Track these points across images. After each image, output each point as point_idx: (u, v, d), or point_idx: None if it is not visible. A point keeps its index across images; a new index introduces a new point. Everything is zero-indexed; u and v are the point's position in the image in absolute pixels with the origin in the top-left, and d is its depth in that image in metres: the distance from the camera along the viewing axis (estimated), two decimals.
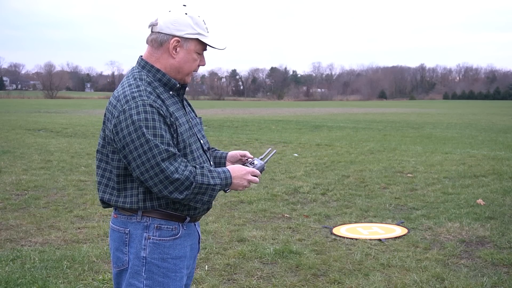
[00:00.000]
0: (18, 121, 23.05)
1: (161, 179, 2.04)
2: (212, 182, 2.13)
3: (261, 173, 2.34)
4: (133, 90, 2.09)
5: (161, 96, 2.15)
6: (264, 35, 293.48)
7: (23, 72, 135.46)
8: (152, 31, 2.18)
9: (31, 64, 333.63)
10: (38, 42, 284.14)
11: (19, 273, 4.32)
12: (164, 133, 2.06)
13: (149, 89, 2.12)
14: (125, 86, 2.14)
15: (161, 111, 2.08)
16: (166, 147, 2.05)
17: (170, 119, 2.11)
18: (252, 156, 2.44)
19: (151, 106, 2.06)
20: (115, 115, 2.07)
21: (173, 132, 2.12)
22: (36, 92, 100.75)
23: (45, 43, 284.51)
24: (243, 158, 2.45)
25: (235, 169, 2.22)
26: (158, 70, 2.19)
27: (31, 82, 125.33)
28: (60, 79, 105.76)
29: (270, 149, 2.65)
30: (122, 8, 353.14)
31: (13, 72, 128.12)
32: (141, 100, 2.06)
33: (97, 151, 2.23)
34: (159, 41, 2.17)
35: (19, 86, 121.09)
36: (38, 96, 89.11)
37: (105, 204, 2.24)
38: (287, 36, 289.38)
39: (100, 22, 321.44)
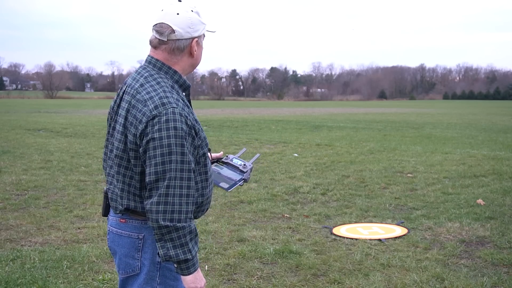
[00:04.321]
0: (18, 121, 23.05)
1: (172, 202, 1.96)
2: (189, 250, 2.00)
3: (249, 175, 2.40)
4: (161, 95, 2.02)
5: (184, 100, 2.11)
6: (264, 35, 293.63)
7: (23, 72, 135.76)
8: (168, 39, 2.09)
9: (31, 64, 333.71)
10: (38, 42, 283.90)
11: (19, 273, 4.32)
12: (189, 146, 2.02)
13: (175, 95, 2.07)
14: (149, 90, 2.05)
15: (188, 121, 2.02)
16: (189, 166, 2.00)
17: (194, 129, 2.06)
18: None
19: (180, 115, 2.00)
20: (143, 121, 1.99)
21: (195, 142, 2.07)
22: (36, 92, 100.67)
23: (45, 43, 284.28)
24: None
25: (197, 277, 2.05)
26: (175, 72, 2.14)
27: (31, 82, 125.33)
28: (60, 79, 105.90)
29: (245, 149, 2.71)
30: (121, 8, 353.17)
31: (13, 72, 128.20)
32: (171, 107, 1.99)
33: (116, 156, 2.11)
34: (181, 47, 2.12)
35: (19, 86, 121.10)
36: (38, 96, 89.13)
37: (129, 211, 2.14)
38: (287, 36, 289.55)
39: (99, 22, 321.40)
